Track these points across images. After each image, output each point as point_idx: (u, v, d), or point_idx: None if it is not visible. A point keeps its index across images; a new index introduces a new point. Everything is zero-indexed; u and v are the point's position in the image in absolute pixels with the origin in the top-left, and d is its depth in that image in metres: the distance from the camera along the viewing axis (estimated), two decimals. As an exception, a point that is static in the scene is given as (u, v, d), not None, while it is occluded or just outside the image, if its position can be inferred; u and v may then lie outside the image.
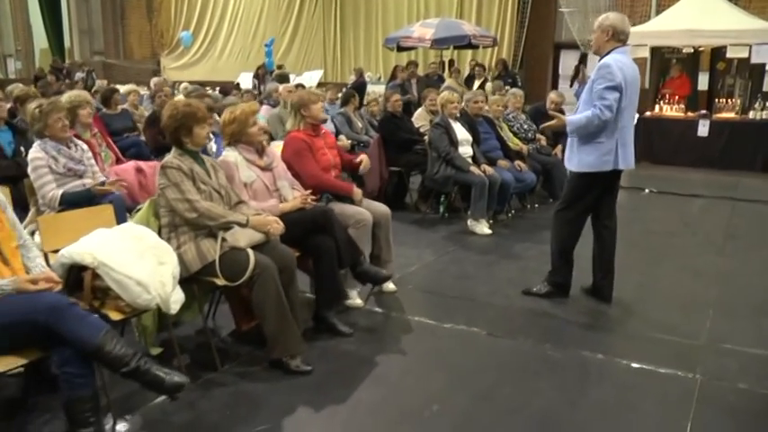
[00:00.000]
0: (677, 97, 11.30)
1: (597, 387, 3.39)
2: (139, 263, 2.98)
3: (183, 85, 11.11)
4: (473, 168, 6.25)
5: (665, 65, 12.27)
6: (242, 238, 3.39)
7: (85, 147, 4.51)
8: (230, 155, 3.84)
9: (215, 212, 3.37)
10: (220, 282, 3.33)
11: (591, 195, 4.37)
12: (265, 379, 3.35)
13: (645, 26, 11.76)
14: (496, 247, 5.90)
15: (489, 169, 6.36)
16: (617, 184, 4.48)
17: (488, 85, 11.78)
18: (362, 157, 4.74)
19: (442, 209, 6.91)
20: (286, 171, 4.09)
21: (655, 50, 11.62)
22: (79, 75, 16.24)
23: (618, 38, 4.18)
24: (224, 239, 3.36)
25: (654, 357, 3.66)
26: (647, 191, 8.73)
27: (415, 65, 12.10)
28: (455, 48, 13.98)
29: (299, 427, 2.94)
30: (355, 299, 4.28)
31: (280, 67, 15.17)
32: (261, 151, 3.96)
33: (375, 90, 14.14)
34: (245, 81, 15.19)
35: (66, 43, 23.50)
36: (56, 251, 3.12)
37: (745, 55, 10.42)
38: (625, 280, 4.80)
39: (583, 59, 13.74)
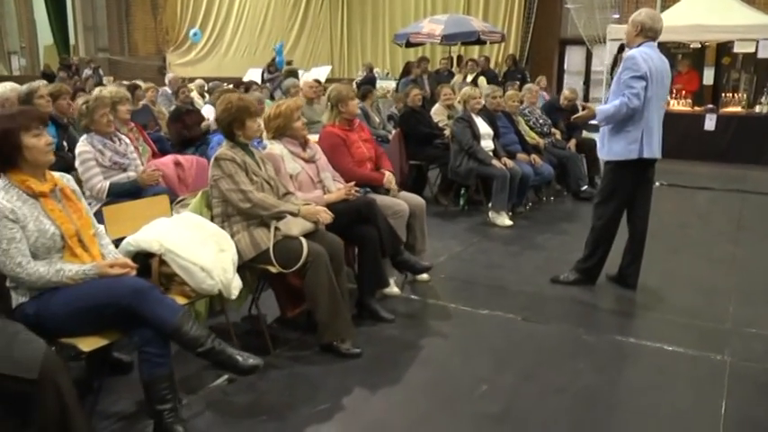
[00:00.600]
0: (684, 92, 11.46)
1: (632, 368, 3.56)
2: (202, 250, 3.13)
3: (196, 82, 11.25)
4: (495, 161, 6.40)
5: (671, 60, 12.41)
6: (294, 227, 3.54)
7: (128, 141, 4.65)
8: (276, 148, 3.99)
9: (268, 203, 3.52)
10: (274, 269, 3.48)
11: (625, 188, 4.52)
12: (318, 362, 3.50)
13: (652, 21, 11.90)
14: (519, 237, 6.06)
15: (510, 162, 6.52)
16: (649, 174, 4.62)
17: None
18: (388, 175, 4.72)
19: (462, 201, 7.07)
20: (327, 163, 4.24)
21: (661, 46, 11.74)
22: (87, 72, 16.32)
23: (646, 34, 4.36)
24: (277, 228, 3.52)
25: (683, 340, 3.83)
26: (657, 183, 8.83)
27: (427, 61, 12.24)
28: (462, 44, 14.12)
29: (358, 407, 3.09)
30: (392, 287, 4.42)
31: (289, 62, 15.28)
32: (304, 144, 4.11)
33: (384, 85, 14.33)
34: (254, 77, 15.28)
35: (71, 40, 23.59)
36: (118, 239, 3.26)
37: (752, 50, 10.59)
38: (648, 269, 4.95)
39: (621, 49, 13.90)
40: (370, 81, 13.50)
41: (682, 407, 3.14)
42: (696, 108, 11.24)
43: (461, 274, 4.98)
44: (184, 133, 7.08)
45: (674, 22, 11.05)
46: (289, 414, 3.00)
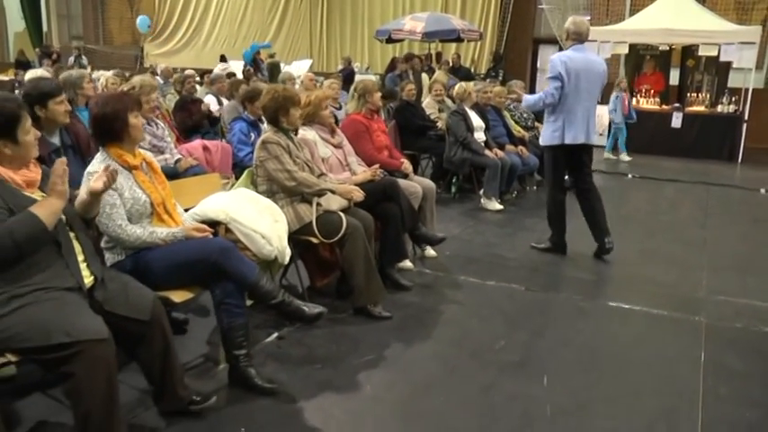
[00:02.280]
0: (653, 91, 12.16)
1: (624, 328, 4.12)
2: (260, 220, 3.56)
3: (188, 71, 11.54)
4: (487, 152, 6.94)
5: (640, 61, 13.14)
6: (334, 202, 4.01)
7: (164, 125, 5.05)
8: (308, 133, 4.44)
9: (311, 181, 3.99)
10: (316, 240, 3.94)
11: (557, 169, 5.38)
12: (354, 323, 3.98)
13: (624, 24, 12.61)
14: (509, 221, 6.61)
15: (501, 153, 7.07)
16: (584, 159, 5.38)
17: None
18: (406, 161, 5.34)
19: (454, 189, 7.59)
20: (352, 148, 4.71)
21: (630, 47, 12.44)
22: (71, 60, 16.42)
23: (572, 38, 5.13)
24: (319, 204, 3.98)
25: (665, 306, 4.43)
26: (629, 176, 9.55)
27: (412, 57, 12.69)
28: (440, 41, 14.64)
29: (398, 357, 3.58)
30: (406, 262, 4.91)
31: (272, 56, 15.62)
32: (332, 131, 4.57)
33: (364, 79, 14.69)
34: (235, 68, 15.58)
35: (44, 28, 23.47)
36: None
37: (715, 53, 11.31)
38: (627, 248, 5.65)
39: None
40: (350, 74, 13.95)
41: (667, 356, 3.70)
42: (664, 107, 11.95)
43: (464, 252, 5.49)
44: (188, 121, 7.44)
45: (643, 26, 11.81)
46: (339, 363, 3.48)
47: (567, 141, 5.14)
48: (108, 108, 3.07)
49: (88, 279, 2.69)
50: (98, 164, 3.06)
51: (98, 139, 3.16)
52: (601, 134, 12.12)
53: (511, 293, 4.62)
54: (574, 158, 5.33)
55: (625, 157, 10.90)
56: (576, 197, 5.51)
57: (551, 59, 5.10)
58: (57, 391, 3.11)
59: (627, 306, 4.43)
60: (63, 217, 2.62)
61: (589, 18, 14.77)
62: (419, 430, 2.90)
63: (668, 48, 12.63)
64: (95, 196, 2.79)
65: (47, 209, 2.48)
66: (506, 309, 4.33)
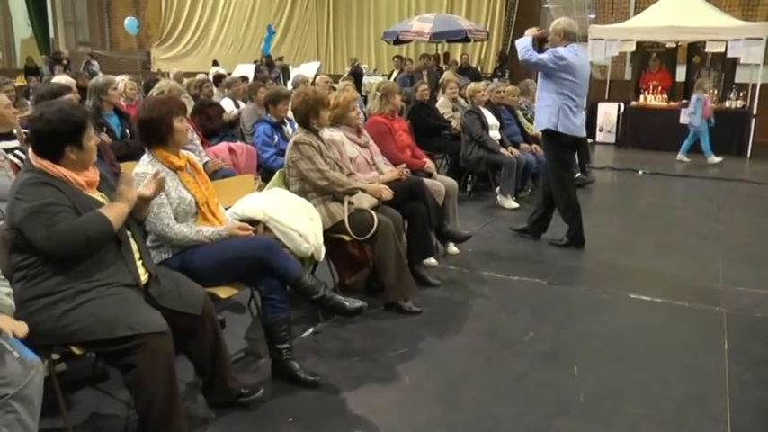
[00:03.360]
0: (660, 88, 12.26)
1: (647, 319, 4.24)
2: (297, 218, 3.69)
3: (199, 76, 11.67)
4: (503, 150, 7.06)
5: (646, 59, 13.23)
6: (364, 201, 4.13)
7: (192, 128, 5.17)
8: (336, 134, 4.56)
9: (342, 180, 4.11)
10: (348, 237, 4.06)
11: (565, 159, 5.62)
12: (386, 318, 4.11)
13: (630, 22, 12.73)
14: (526, 218, 6.67)
15: (516, 151, 7.19)
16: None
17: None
18: (429, 161, 5.51)
19: (469, 188, 7.71)
20: (377, 148, 4.83)
21: (637, 45, 12.54)
22: (82, 66, 16.54)
23: (568, 37, 5.31)
24: (350, 203, 4.10)
25: (685, 297, 4.54)
26: (640, 172, 9.65)
27: (428, 57, 12.84)
28: (447, 41, 14.77)
29: (432, 349, 3.70)
30: (431, 259, 5.02)
31: (280, 58, 15.76)
32: (358, 131, 4.70)
33: (371, 81, 14.91)
34: (244, 72, 15.73)
35: (51, 34, 23.63)
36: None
37: (722, 50, 11.42)
38: (644, 242, 5.79)
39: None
40: (356, 76, 14.09)
41: (691, 345, 3.82)
42: (671, 103, 12.04)
43: (485, 248, 5.61)
44: (208, 125, 7.56)
45: (649, 24, 11.92)
46: (376, 355, 3.60)
47: (560, 129, 5.32)
48: (154, 113, 3.21)
49: (144, 276, 2.82)
50: (144, 165, 3.20)
51: (144, 142, 3.29)
52: (609, 131, 12.31)
53: (534, 287, 4.74)
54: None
55: (714, 159, 10.53)
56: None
57: (557, 51, 5.22)
58: (105, 384, 3.27)
59: (648, 298, 4.54)
60: (120, 218, 2.76)
61: (594, 17, 14.95)
62: (460, 417, 3.02)
63: (674, 45, 12.72)
64: (144, 201, 2.92)
65: (115, 212, 2.65)
66: (532, 302, 4.45)
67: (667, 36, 11.97)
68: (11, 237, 2.63)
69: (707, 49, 11.83)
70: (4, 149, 3.86)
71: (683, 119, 10.95)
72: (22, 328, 2.28)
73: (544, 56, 5.19)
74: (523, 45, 5.26)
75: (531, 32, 5.39)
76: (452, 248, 5.35)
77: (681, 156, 10.73)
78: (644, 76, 13.05)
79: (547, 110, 5.33)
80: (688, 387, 3.32)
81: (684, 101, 11.93)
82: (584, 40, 13.19)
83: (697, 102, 10.47)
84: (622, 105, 12.23)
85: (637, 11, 14.27)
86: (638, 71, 13.29)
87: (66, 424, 2.75)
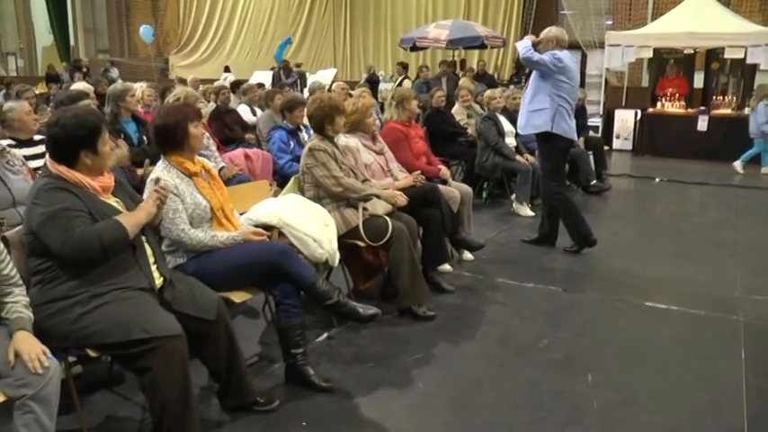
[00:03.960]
0: (677, 95, 12.17)
1: (663, 327, 4.20)
2: (311, 223, 3.70)
3: (219, 82, 11.77)
4: (518, 157, 7.05)
5: (663, 65, 13.16)
6: (379, 207, 4.15)
7: (209, 134, 5.21)
8: (351, 141, 4.58)
9: (357, 186, 4.12)
10: (363, 243, 4.08)
11: (559, 162, 5.67)
12: (400, 323, 4.11)
13: (648, 28, 12.67)
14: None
15: (531, 158, 7.16)
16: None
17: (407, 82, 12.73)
18: (444, 168, 5.54)
19: (485, 195, 7.70)
20: (392, 155, 4.84)
21: (654, 51, 12.48)
22: (112, 73, 16.76)
23: (560, 44, 5.36)
24: (365, 209, 4.12)
25: (701, 305, 4.49)
26: (657, 179, 9.58)
27: (447, 64, 12.86)
28: (464, 48, 14.77)
29: (447, 355, 3.70)
30: (445, 265, 5.02)
31: (298, 65, 15.84)
32: (374, 138, 4.71)
33: (388, 88, 14.95)
34: (261, 79, 15.83)
35: (71, 41, 23.91)
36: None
37: (741, 56, 11.33)
38: (660, 250, 5.76)
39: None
40: (373, 83, 14.13)
41: (708, 354, 3.78)
42: (689, 110, 11.96)
43: (500, 255, 5.60)
44: (225, 131, 7.62)
45: (667, 30, 11.85)
46: (390, 361, 3.60)
47: (555, 130, 5.33)
48: (170, 119, 3.24)
49: (158, 280, 2.85)
50: (160, 171, 3.22)
51: (160, 148, 3.33)
52: (626, 138, 12.24)
53: (549, 294, 4.72)
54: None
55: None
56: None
57: (555, 53, 5.25)
58: (120, 387, 3.30)
59: (663, 306, 4.50)
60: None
61: (611, 22, 14.91)
62: (474, 423, 3.02)
63: (692, 51, 12.64)
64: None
65: (133, 221, 2.70)
66: (546, 309, 4.43)
67: (685, 42, 11.90)
68: (28, 241, 2.67)
69: (726, 56, 11.74)
70: (25, 156, 3.92)
71: (700, 125, 10.86)
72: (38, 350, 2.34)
73: (545, 56, 5.21)
74: (524, 45, 5.32)
75: (530, 38, 5.43)
76: (467, 255, 5.34)
77: (738, 164, 10.38)
78: (660, 83, 12.97)
79: (543, 112, 5.33)
80: (704, 396, 3.30)
81: (702, 107, 11.84)
82: (601, 46, 13.19)
83: (766, 108, 10.09)
84: (639, 112, 12.15)
85: (654, 17, 14.20)
86: (654, 78, 13.23)
87: (81, 425, 2.78)
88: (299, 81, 13.42)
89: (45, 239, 2.58)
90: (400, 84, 12.92)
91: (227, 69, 16.65)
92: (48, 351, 2.35)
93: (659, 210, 7.96)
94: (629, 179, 9.77)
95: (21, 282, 2.54)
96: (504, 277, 5.02)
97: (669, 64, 12.98)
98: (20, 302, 2.47)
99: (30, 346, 2.31)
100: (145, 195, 3.07)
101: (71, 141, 2.67)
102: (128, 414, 3.11)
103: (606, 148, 10.44)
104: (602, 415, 3.10)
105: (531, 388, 3.34)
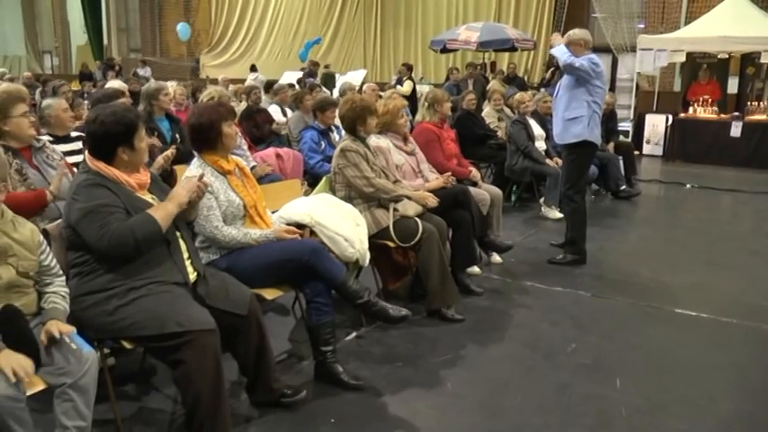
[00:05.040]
0: (710, 100, 12.01)
1: (693, 334, 4.16)
2: (343, 223, 3.73)
3: (248, 82, 11.90)
4: (548, 161, 7.03)
5: (695, 69, 13.00)
6: (410, 208, 4.16)
7: (240, 133, 5.27)
8: (382, 142, 4.60)
9: (388, 187, 4.15)
10: (393, 244, 4.10)
11: (587, 169, 5.64)
12: (428, 324, 4.12)
13: (681, 32, 12.52)
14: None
15: (561, 162, 7.11)
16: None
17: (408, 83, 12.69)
18: (474, 170, 5.55)
19: (513, 198, 7.68)
20: (423, 156, 4.86)
21: (687, 56, 12.33)
22: (143, 72, 16.98)
23: (587, 46, 5.24)
24: (395, 209, 4.14)
25: (733, 314, 4.44)
26: (688, 185, 9.47)
27: (474, 66, 12.86)
28: (495, 50, 14.74)
29: (475, 357, 3.71)
30: (474, 268, 5.01)
31: (327, 66, 15.92)
32: (405, 139, 4.73)
33: (418, 89, 14.94)
34: (291, 79, 15.93)
35: (104, 41, 24.30)
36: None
37: (778, 61, 11.15)
38: (691, 257, 5.72)
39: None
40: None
41: (739, 363, 3.74)
42: (722, 116, 11.79)
43: (528, 259, 5.58)
44: (255, 131, 7.69)
45: (701, 34, 11.69)
46: (419, 361, 3.62)
47: (592, 139, 5.24)
48: (204, 118, 3.29)
49: (192, 275, 2.90)
50: (195, 169, 3.27)
51: (194, 147, 3.38)
52: (657, 144, 12.11)
53: (577, 299, 4.70)
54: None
55: None
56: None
57: (592, 58, 5.16)
58: (152, 380, 3.36)
59: (694, 313, 4.46)
60: (170, 219, 2.84)
61: (643, 26, 14.75)
62: (502, 425, 3.02)
63: (727, 56, 12.46)
64: (190, 206, 2.99)
65: (163, 213, 2.73)
66: (575, 313, 4.41)
67: (719, 47, 11.74)
68: (67, 235, 2.74)
69: (762, 60, 11.53)
70: (62, 152, 4.00)
71: (734, 131, 10.70)
72: (68, 329, 2.40)
73: (584, 61, 5.08)
74: (563, 51, 5.16)
75: (557, 38, 5.31)
76: (495, 258, 5.34)
77: None
78: (692, 88, 12.80)
79: (580, 120, 5.19)
80: (735, 405, 3.26)
81: (736, 113, 11.67)
82: (633, 49, 13.07)
83: None
84: (671, 117, 12.00)
85: (688, 21, 14.02)
86: (686, 83, 13.07)
87: (116, 415, 2.83)
88: (326, 82, 13.46)
89: (83, 234, 2.65)
90: (398, 84, 12.86)
91: (253, 68, 16.73)
92: (75, 331, 2.42)
93: (690, 216, 7.86)
94: (660, 185, 9.67)
95: (60, 273, 2.61)
96: (533, 281, 5.00)
97: (702, 69, 12.82)
98: (58, 293, 2.54)
99: (60, 326, 2.38)
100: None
101: (109, 138, 2.74)
102: (160, 406, 3.17)
103: (636, 153, 10.33)
104: (630, 421, 3.08)
105: (558, 392, 3.33)
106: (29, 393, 2.23)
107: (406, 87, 12.68)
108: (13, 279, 2.38)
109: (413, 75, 13.98)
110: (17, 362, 2.18)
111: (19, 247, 2.42)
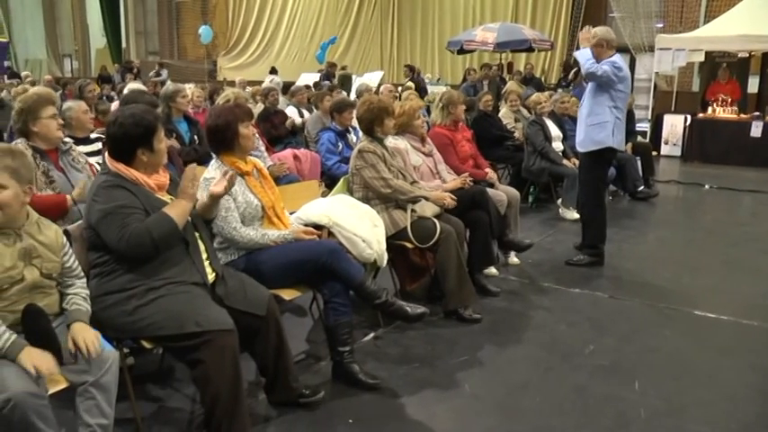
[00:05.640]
0: (730, 100, 11.89)
1: (713, 336, 4.13)
2: (360, 224, 3.73)
3: (266, 84, 11.93)
4: (565, 161, 7.00)
5: (714, 69, 12.87)
6: (427, 209, 4.17)
7: (258, 134, 5.30)
8: (400, 143, 4.61)
9: (406, 188, 4.15)
10: (411, 245, 4.10)
11: (605, 173, 5.70)
12: (445, 325, 4.12)
13: (700, 31, 12.40)
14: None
15: (578, 162, 7.08)
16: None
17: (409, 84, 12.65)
18: (491, 171, 5.54)
19: (531, 199, 7.65)
20: (441, 157, 4.86)
21: (706, 55, 12.20)
22: (151, 74, 17.11)
23: (611, 45, 5.11)
24: (413, 210, 4.14)
25: (754, 316, 4.39)
26: (707, 186, 9.38)
27: (489, 67, 12.85)
28: (511, 51, 14.69)
29: (492, 358, 3.70)
30: (491, 269, 5.01)
31: (344, 68, 15.94)
32: (422, 140, 4.74)
33: (435, 91, 14.93)
34: (308, 81, 15.97)
35: (123, 43, 24.52)
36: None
37: (801, 60, 11.00)
38: (710, 258, 5.68)
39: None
40: (420, 89, 14.12)
41: (761, 366, 3.70)
42: (742, 116, 11.66)
43: (546, 260, 5.57)
44: (272, 132, 7.72)
45: (720, 33, 11.56)
46: (436, 362, 3.62)
47: (615, 145, 5.16)
48: (220, 120, 3.32)
49: (210, 275, 2.92)
50: (213, 170, 3.30)
51: (212, 148, 3.41)
52: (675, 144, 12.01)
53: (595, 300, 4.68)
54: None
55: None
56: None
57: (615, 61, 5.02)
58: (171, 380, 3.38)
59: (713, 315, 4.42)
60: (189, 218, 2.86)
61: (662, 25, 14.64)
62: (520, 427, 3.01)
63: (747, 54, 12.33)
64: (215, 200, 3.04)
65: (178, 209, 2.75)
66: (592, 315, 4.39)
67: (739, 45, 11.60)
68: (87, 235, 2.77)
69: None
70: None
71: (754, 131, 10.59)
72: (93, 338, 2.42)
73: (606, 67, 4.94)
74: (586, 57, 5.03)
75: (585, 38, 5.16)
76: (513, 258, 5.33)
77: None
78: (711, 88, 12.66)
79: (604, 126, 5.08)
80: (757, 408, 3.23)
81: (757, 113, 11.55)
82: (651, 49, 12.97)
83: None
84: (689, 117, 11.89)
85: (707, 19, 13.90)
86: (705, 82, 12.94)
87: (135, 414, 2.85)
88: (342, 84, 13.47)
89: (103, 235, 2.68)
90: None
91: (273, 71, 16.80)
92: (100, 336, 2.44)
93: (709, 217, 7.79)
94: (678, 185, 9.60)
95: (82, 274, 2.64)
96: (551, 282, 4.99)
97: (721, 68, 12.68)
98: (79, 294, 2.57)
99: (85, 334, 2.40)
100: (199, 194, 3.15)
101: (128, 139, 2.77)
102: (179, 405, 3.19)
103: (654, 153, 10.25)
104: (649, 423, 3.06)
105: (576, 393, 3.31)
106: (51, 392, 2.27)
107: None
108: (36, 280, 2.41)
109: (414, 76, 13.95)
110: (39, 358, 2.22)
111: (43, 248, 2.45)
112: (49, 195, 3.39)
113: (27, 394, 2.10)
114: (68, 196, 3.42)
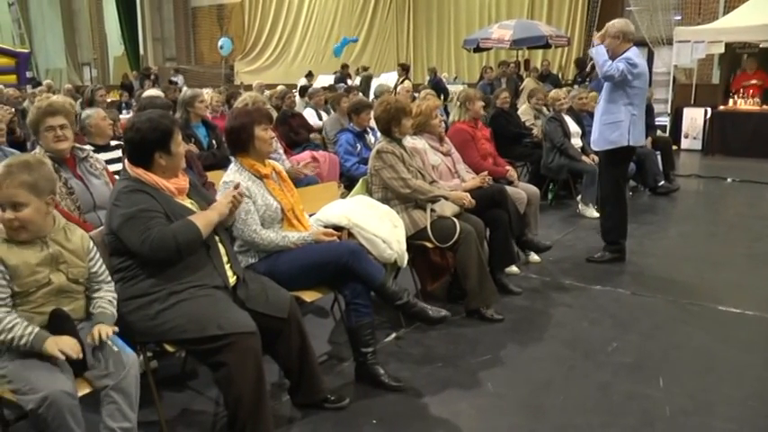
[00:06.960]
0: (752, 91, 11.72)
1: (738, 332, 4.07)
2: (380, 225, 3.73)
3: (279, 88, 11.98)
4: (584, 158, 6.95)
5: (736, 60, 12.70)
6: (447, 208, 4.16)
7: (276, 137, 5.31)
8: (418, 142, 4.61)
9: (425, 188, 4.15)
10: (431, 245, 4.10)
11: (625, 172, 5.67)
12: (467, 324, 4.11)
13: (719, 23, 12.25)
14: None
15: (597, 158, 7.03)
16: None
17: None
18: (511, 169, 5.54)
19: (550, 196, 7.61)
20: (459, 156, 4.85)
21: (726, 46, 12.05)
22: (179, 80, 17.26)
23: (628, 38, 5.00)
24: (433, 210, 4.14)
25: (777, 310, 4.34)
26: (729, 180, 9.27)
27: (507, 65, 12.80)
28: (528, 48, 14.62)
29: (515, 357, 3.69)
30: (512, 267, 4.98)
31: (366, 68, 15.94)
32: (441, 139, 4.73)
33: (453, 90, 14.90)
34: (325, 83, 16.00)
35: (140, 51, 24.77)
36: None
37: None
38: (733, 253, 5.63)
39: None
40: (437, 84, 14.10)
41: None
42: (764, 107, 11.50)
43: (566, 257, 5.53)
44: (291, 135, 7.75)
45: (741, 23, 11.40)
46: (459, 362, 3.61)
47: (632, 143, 5.09)
48: (236, 122, 3.35)
49: (232, 279, 2.94)
50: (232, 174, 3.32)
51: (231, 151, 3.44)
52: (695, 138, 11.88)
53: (617, 297, 4.64)
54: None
55: None
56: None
57: (629, 58, 4.92)
58: (194, 382, 3.41)
59: (738, 311, 4.37)
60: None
61: (680, 18, 14.49)
62: (544, 425, 3.00)
63: (769, 45, 12.16)
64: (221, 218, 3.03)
65: (205, 221, 2.79)
66: (614, 312, 4.36)
67: (761, 35, 11.40)
68: (109, 241, 2.80)
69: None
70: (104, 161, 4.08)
71: None
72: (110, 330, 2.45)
73: (620, 65, 4.85)
74: (603, 57, 4.91)
75: (600, 39, 5.04)
76: (533, 257, 5.31)
77: None
78: (737, 78, 12.48)
79: (619, 125, 5.01)
80: (784, 403, 3.19)
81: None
82: (669, 42, 12.84)
83: None
84: (709, 110, 11.75)
85: (726, 10, 13.72)
86: (727, 73, 12.77)
87: (160, 417, 2.88)
88: (365, 84, 13.47)
89: (125, 239, 2.70)
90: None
91: (309, 74, 16.62)
92: (112, 331, 2.46)
93: (731, 211, 7.70)
94: (699, 180, 9.49)
95: (109, 279, 2.66)
96: (572, 279, 4.96)
97: (744, 59, 12.51)
98: (105, 298, 2.59)
99: (101, 327, 2.43)
100: (218, 197, 3.18)
101: (146, 144, 2.80)
102: (203, 408, 3.21)
103: (674, 147, 10.14)
104: (674, 421, 3.03)
105: (600, 391, 3.29)
106: (81, 394, 2.30)
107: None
108: (63, 284, 2.44)
109: (433, 77, 13.91)
110: (64, 342, 2.27)
111: (69, 254, 2.48)
112: (74, 217, 3.36)
113: (62, 393, 2.15)
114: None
